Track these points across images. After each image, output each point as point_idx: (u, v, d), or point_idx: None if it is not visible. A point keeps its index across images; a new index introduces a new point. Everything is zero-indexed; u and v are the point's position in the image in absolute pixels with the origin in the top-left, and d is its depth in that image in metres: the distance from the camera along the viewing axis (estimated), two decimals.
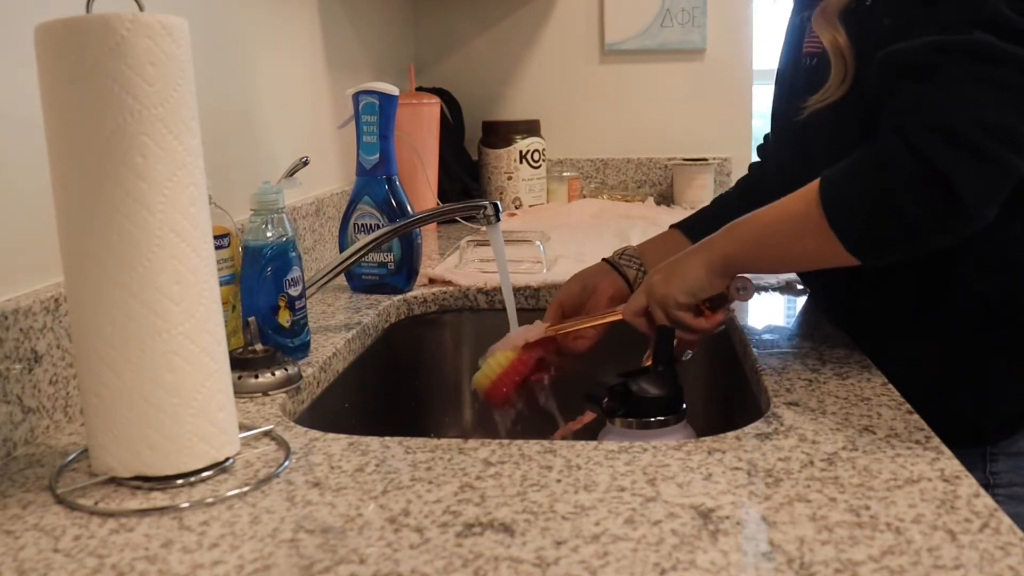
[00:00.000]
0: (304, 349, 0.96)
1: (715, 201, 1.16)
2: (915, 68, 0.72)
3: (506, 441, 0.71)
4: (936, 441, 0.69)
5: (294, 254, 0.94)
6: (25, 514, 0.61)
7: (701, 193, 2.07)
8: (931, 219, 0.72)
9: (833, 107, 0.85)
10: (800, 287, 1.14)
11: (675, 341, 0.87)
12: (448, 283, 1.28)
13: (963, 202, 0.70)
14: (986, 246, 0.81)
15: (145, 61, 0.60)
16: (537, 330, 0.98)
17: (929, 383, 0.84)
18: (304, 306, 0.95)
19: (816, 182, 0.78)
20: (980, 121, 0.69)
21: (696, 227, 1.05)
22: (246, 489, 0.64)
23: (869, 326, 0.93)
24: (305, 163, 0.99)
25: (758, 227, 0.84)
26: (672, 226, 1.09)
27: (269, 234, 0.93)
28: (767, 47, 2.25)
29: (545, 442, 0.70)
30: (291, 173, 0.99)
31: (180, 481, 0.65)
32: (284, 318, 0.93)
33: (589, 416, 0.92)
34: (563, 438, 0.92)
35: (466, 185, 2.06)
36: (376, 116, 1.21)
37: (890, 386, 0.81)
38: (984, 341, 0.86)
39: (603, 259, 1.06)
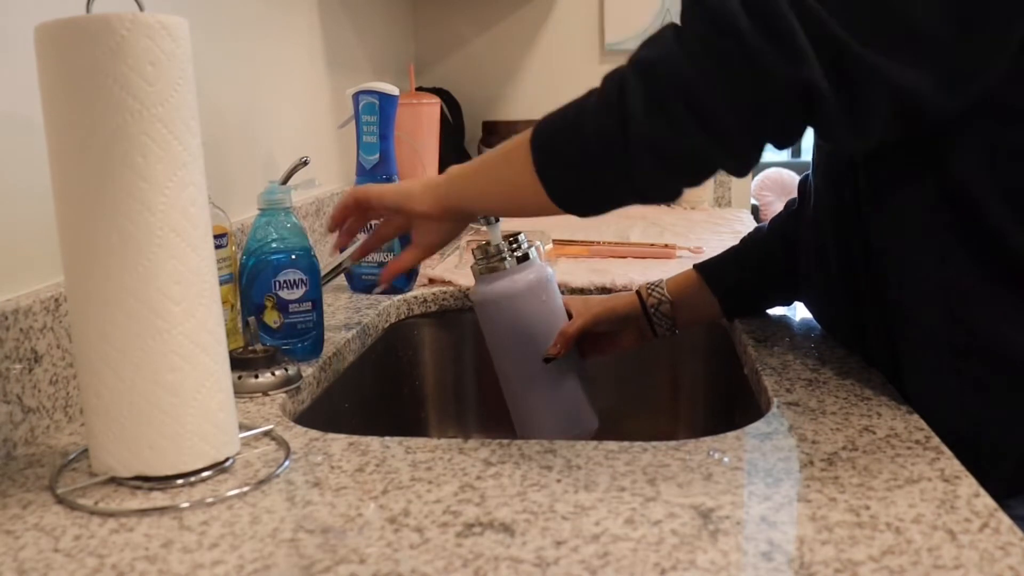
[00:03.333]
0: (313, 351, 0.96)
1: (743, 240, 1.07)
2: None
3: (506, 441, 0.71)
4: (936, 441, 0.69)
5: (294, 256, 0.93)
6: (25, 514, 0.61)
7: (701, 193, 2.07)
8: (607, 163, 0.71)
9: None
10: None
11: None
12: (448, 283, 1.28)
13: (632, 108, 0.68)
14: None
15: (145, 61, 0.60)
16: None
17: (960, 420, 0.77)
18: (310, 309, 0.95)
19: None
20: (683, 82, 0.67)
21: (717, 269, 1.02)
22: (246, 489, 0.64)
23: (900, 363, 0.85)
24: (305, 163, 0.99)
25: (482, 166, 0.83)
26: (694, 266, 1.03)
27: (265, 234, 0.93)
28: None
29: (545, 442, 0.70)
30: (290, 174, 0.99)
31: (180, 481, 0.65)
32: (271, 318, 0.93)
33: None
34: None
35: None
36: (376, 116, 1.21)
37: (890, 386, 0.81)
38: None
39: (642, 309, 1.02)
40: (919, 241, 0.75)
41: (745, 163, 0.70)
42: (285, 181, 0.99)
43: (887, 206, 0.77)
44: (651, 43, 0.70)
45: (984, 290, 0.74)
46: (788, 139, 0.69)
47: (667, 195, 0.73)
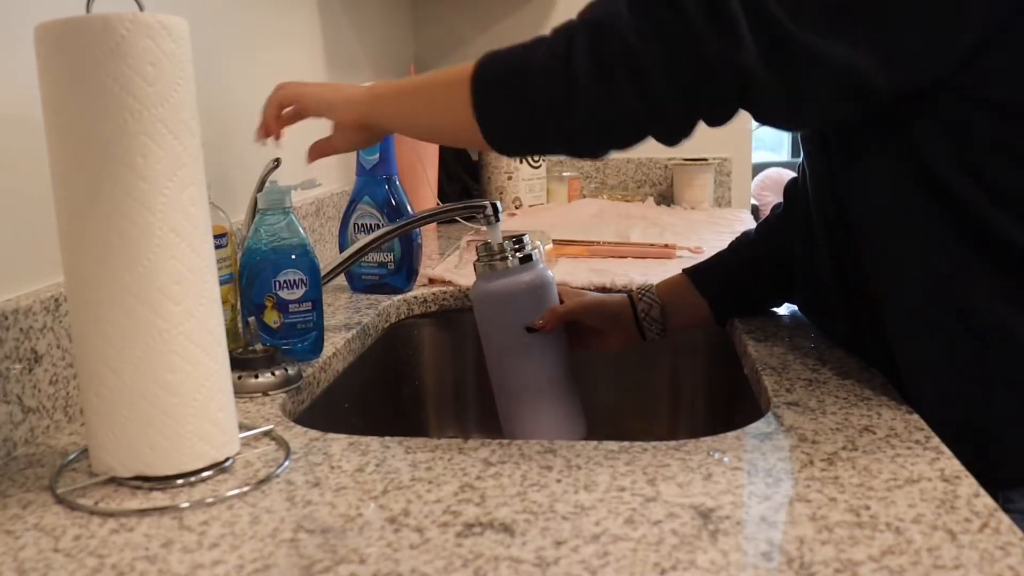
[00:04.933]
0: (313, 351, 0.96)
1: (731, 244, 1.07)
2: None
3: (506, 441, 0.71)
4: (936, 441, 0.69)
5: (294, 256, 0.93)
6: (25, 514, 0.61)
7: (701, 193, 2.07)
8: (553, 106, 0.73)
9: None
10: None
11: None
12: (448, 283, 1.28)
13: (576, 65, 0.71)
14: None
15: (145, 61, 0.60)
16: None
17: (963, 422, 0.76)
18: (310, 309, 0.95)
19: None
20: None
21: (706, 273, 1.02)
22: (246, 489, 0.64)
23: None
24: (277, 165, 0.99)
25: (415, 80, 0.85)
26: (684, 270, 1.04)
27: (264, 234, 0.93)
28: None
29: (545, 442, 0.70)
30: (264, 179, 0.99)
31: (180, 481, 0.65)
32: (271, 318, 0.93)
33: None
34: None
35: (466, 185, 2.06)
36: None
37: (890, 386, 0.81)
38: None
39: (632, 311, 1.02)
40: (900, 228, 0.76)
41: (675, 134, 0.74)
42: (261, 187, 0.98)
43: (868, 197, 0.77)
44: (604, 2, 0.73)
45: (969, 274, 0.74)
46: (720, 118, 0.73)
47: (595, 154, 0.77)
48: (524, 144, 0.81)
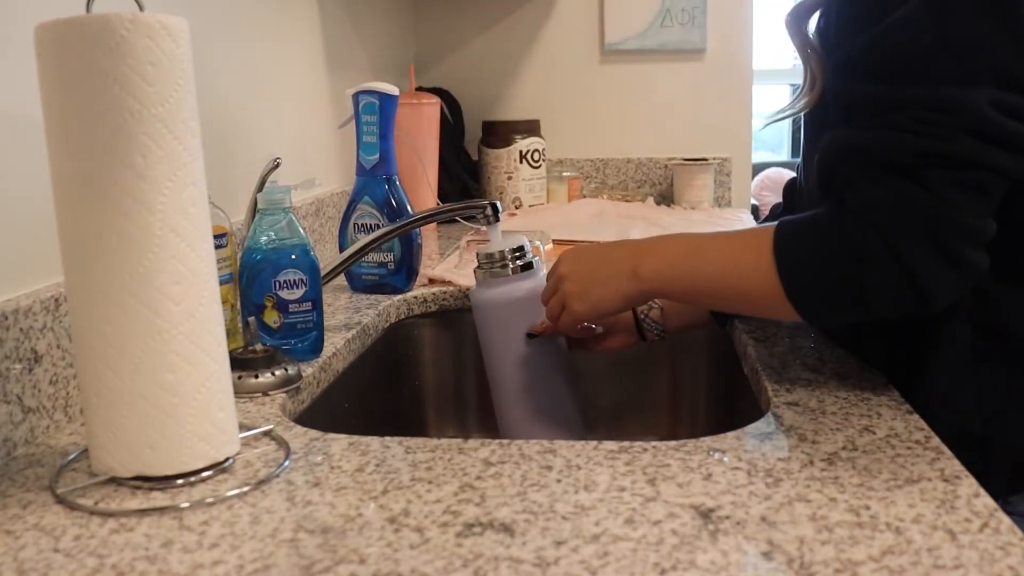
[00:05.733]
0: (313, 351, 0.96)
1: None
2: (897, 166, 0.71)
3: (506, 441, 0.71)
4: (936, 441, 0.69)
5: (294, 256, 0.93)
6: (25, 514, 0.61)
7: (701, 193, 2.07)
8: (895, 310, 0.73)
9: (811, 119, 0.85)
10: None
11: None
12: (448, 283, 1.28)
13: (934, 301, 0.71)
14: None
15: (145, 61, 0.60)
16: None
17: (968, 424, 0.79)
18: (310, 309, 0.95)
19: (770, 232, 0.76)
20: (963, 229, 0.70)
21: None
22: (246, 489, 0.64)
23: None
24: (277, 165, 0.99)
25: (699, 264, 0.81)
26: None
27: (265, 234, 0.93)
28: (767, 47, 2.25)
29: (545, 442, 0.70)
30: (264, 178, 0.99)
31: (180, 481, 0.65)
32: (271, 318, 0.93)
33: None
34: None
35: (466, 185, 2.06)
36: (376, 116, 1.21)
37: (890, 386, 0.81)
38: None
39: (632, 313, 1.02)
40: None
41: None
42: (260, 187, 0.98)
43: None
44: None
45: (1005, 291, 0.75)
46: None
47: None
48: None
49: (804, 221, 0.76)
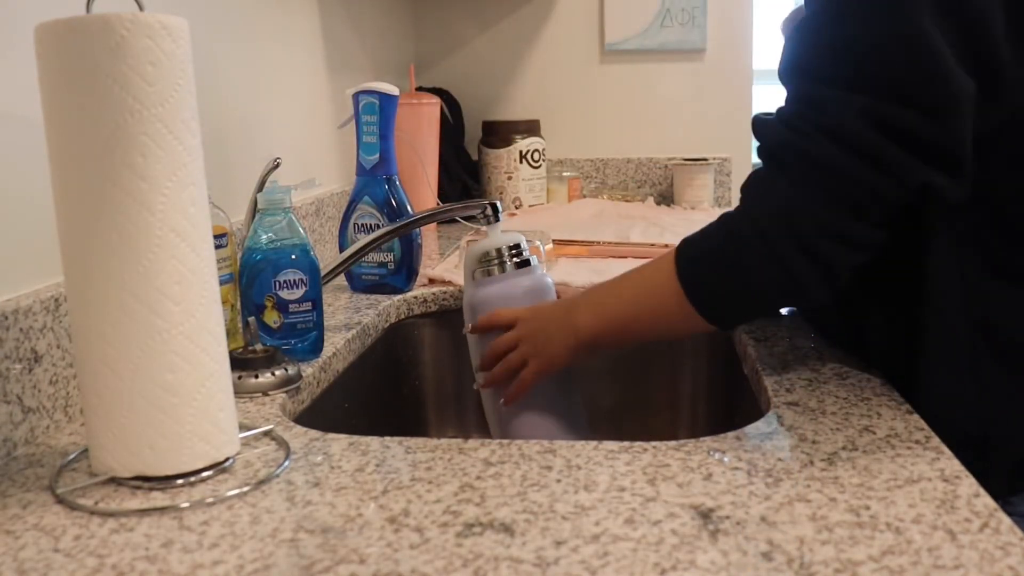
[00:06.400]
0: (313, 351, 0.96)
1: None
2: (772, 157, 0.76)
3: (506, 441, 0.71)
4: (936, 441, 0.69)
5: (294, 256, 0.93)
6: (25, 514, 0.61)
7: (701, 193, 2.07)
8: (787, 300, 0.82)
9: None
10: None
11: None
12: (448, 283, 1.28)
13: (808, 294, 0.76)
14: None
15: (145, 61, 0.60)
16: None
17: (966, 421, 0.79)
18: (310, 309, 0.95)
19: (674, 249, 0.81)
20: (818, 224, 0.72)
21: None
22: (246, 489, 0.64)
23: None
24: (277, 165, 0.99)
25: (618, 304, 0.86)
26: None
27: (265, 234, 0.93)
28: (767, 47, 2.25)
29: (545, 442, 0.70)
30: (264, 178, 0.99)
31: (180, 481, 0.65)
32: (271, 318, 0.93)
33: None
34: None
35: (466, 185, 2.06)
36: (376, 116, 1.21)
37: (890, 386, 0.81)
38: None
39: None
40: (942, 250, 0.76)
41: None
42: (261, 187, 0.98)
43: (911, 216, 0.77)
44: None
45: (1004, 291, 0.75)
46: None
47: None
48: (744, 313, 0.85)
49: (704, 227, 0.80)
